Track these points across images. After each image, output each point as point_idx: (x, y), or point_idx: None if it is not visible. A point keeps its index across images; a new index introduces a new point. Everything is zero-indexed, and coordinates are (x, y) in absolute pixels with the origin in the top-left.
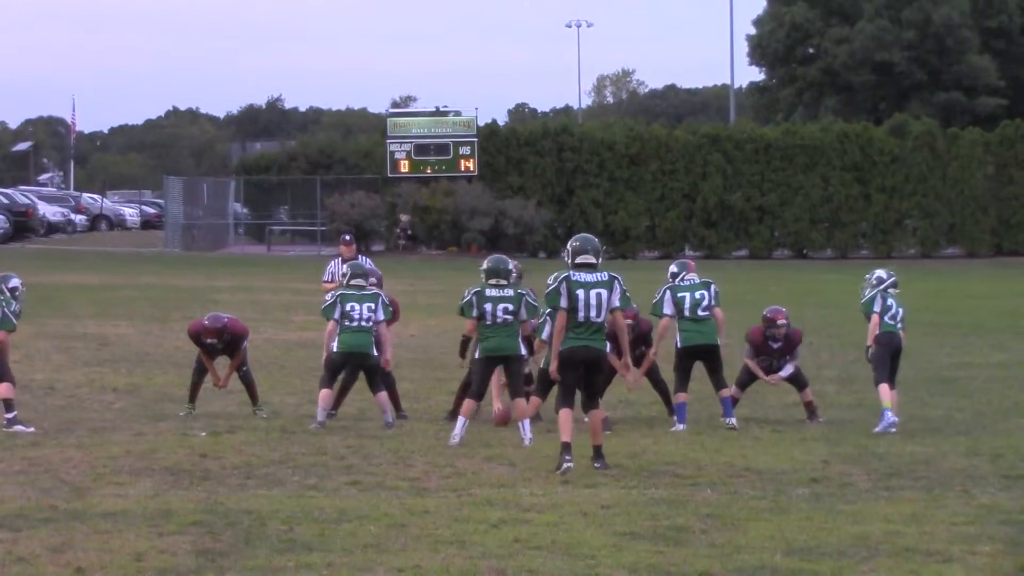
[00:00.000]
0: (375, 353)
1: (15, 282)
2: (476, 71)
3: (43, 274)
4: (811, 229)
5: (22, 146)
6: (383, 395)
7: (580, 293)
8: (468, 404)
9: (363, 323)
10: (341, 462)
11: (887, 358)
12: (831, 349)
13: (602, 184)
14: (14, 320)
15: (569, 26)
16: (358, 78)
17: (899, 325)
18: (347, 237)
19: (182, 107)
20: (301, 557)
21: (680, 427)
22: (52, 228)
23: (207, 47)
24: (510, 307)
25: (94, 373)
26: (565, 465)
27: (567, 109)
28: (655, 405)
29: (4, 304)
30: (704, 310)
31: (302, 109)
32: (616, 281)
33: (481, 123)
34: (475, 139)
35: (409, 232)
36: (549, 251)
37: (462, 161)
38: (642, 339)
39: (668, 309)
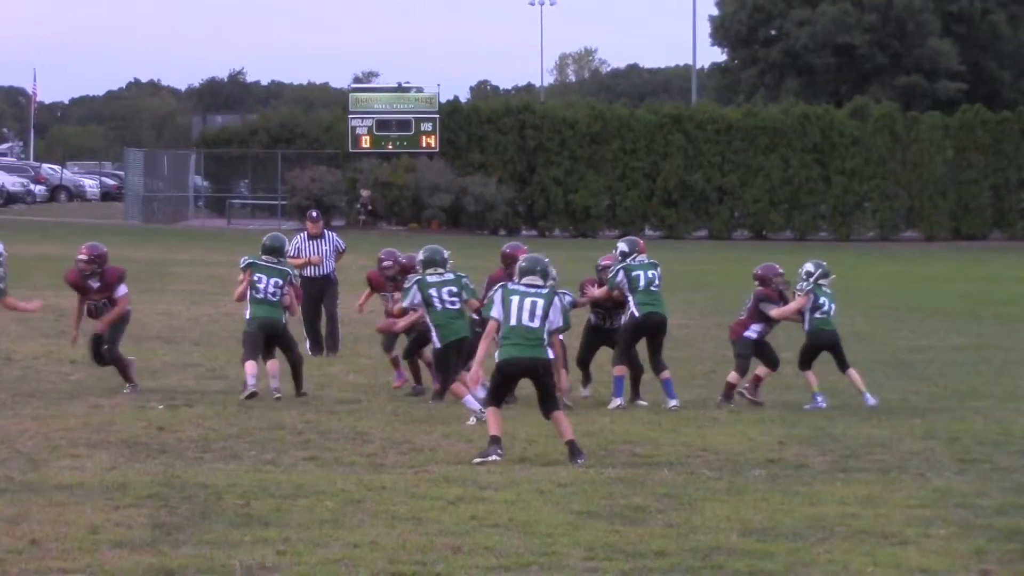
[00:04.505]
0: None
1: None
2: (439, 48)
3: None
4: (771, 210)
5: None
6: (274, 363)
7: (514, 299)
8: (459, 387)
9: (270, 296)
10: (299, 437)
11: (817, 353)
12: (787, 330)
13: (563, 162)
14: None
15: (532, 4)
16: (320, 53)
17: (830, 316)
18: (313, 214)
19: (143, 79)
20: (257, 532)
21: (618, 401)
22: (11, 198)
23: (169, 19)
24: (454, 289)
25: (51, 344)
26: (493, 457)
27: (529, 87)
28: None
29: None
30: (655, 287)
31: (264, 83)
32: (557, 296)
33: (443, 100)
34: (437, 115)
35: (369, 208)
36: (510, 228)
37: (424, 137)
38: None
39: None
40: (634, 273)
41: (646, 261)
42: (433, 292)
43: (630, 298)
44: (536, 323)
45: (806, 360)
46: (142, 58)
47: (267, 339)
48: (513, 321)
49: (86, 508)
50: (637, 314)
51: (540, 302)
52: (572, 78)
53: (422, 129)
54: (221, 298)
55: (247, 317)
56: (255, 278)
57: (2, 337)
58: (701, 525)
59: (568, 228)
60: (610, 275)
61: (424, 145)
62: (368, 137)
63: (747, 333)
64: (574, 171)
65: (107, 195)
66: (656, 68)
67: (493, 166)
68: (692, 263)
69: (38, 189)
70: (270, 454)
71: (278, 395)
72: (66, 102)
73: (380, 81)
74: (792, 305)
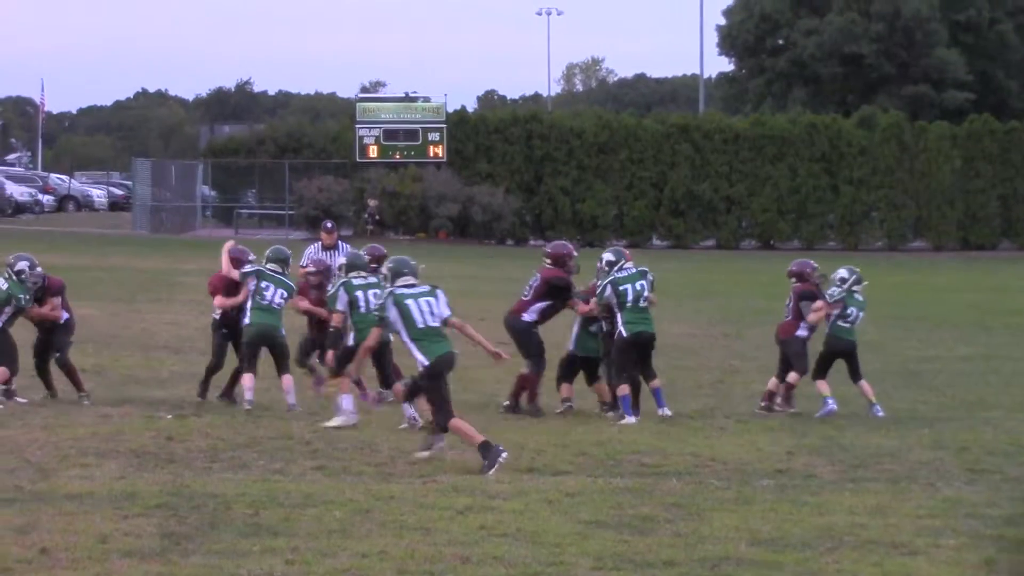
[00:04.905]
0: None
1: (22, 264)
2: (446, 57)
3: (9, 254)
4: (778, 220)
5: None
6: (289, 379)
7: (411, 303)
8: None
9: (275, 305)
10: (307, 447)
11: (833, 360)
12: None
13: (571, 172)
14: (26, 307)
15: (539, 14)
16: (327, 63)
17: (854, 326)
18: (328, 224)
19: (151, 89)
20: (266, 541)
21: (631, 420)
22: (19, 208)
23: (177, 29)
24: (379, 292)
25: None
26: (501, 457)
27: (536, 97)
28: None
29: (19, 296)
30: (644, 300)
31: (271, 93)
32: (438, 290)
33: (450, 109)
34: (444, 125)
35: (377, 217)
36: (517, 238)
37: (431, 147)
38: None
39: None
40: (622, 287)
41: (634, 270)
42: (359, 295)
43: (618, 315)
44: (437, 322)
45: (821, 368)
46: (150, 68)
47: (263, 347)
48: (420, 324)
49: (95, 517)
50: (625, 334)
51: (432, 300)
52: (579, 88)
53: (429, 139)
54: None
55: (246, 323)
56: (262, 286)
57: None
58: (710, 535)
59: (576, 238)
60: (598, 290)
61: (431, 155)
62: (375, 147)
63: (799, 332)
64: (581, 181)
65: (115, 205)
66: (663, 78)
67: (500, 176)
68: (700, 272)
69: (46, 199)
70: (279, 464)
71: (293, 409)
72: (74, 112)
73: (387, 91)
74: (820, 312)
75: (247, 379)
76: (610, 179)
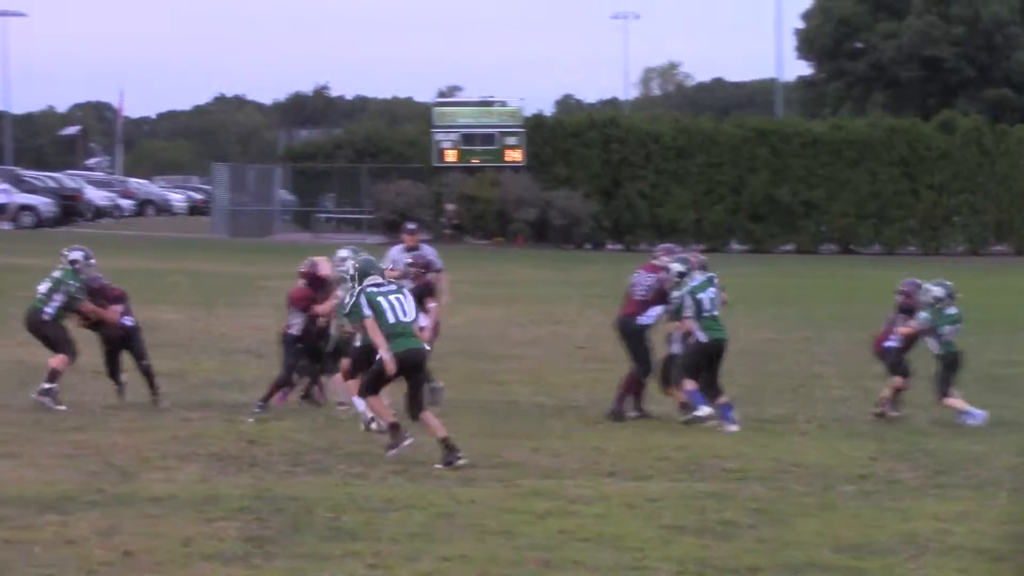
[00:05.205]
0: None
1: (76, 255)
2: (522, 62)
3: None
4: (858, 224)
5: (71, 130)
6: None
7: (381, 300)
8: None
9: None
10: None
11: (954, 376)
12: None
13: (648, 176)
14: (77, 296)
15: (616, 18)
16: (404, 67)
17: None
18: (410, 226)
19: (229, 94)
20: (348, 545)
21: (706, 409)
22: (99, 212)
23: (255, 34)
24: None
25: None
26: (405, 443)
27: (613, 101)
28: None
29: (70, 282)
30: (717, 306)
31: (348, 97)
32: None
33: (528, 114)
34: (522, 130)
35: (455, 222)
36: (595, 243)
37: (508, 151)
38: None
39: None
40: (698, 296)
41: (703, 278)
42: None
43: (695, 324)
44: (408, 317)
45: (944, 386)
46: (228, 73)
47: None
48: (391, 319)
49: (178, 521)
50: (705, 339)
51: (401, 298)
52: (656, 92)
53: (507, 143)
54: None
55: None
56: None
57: (92, 350)
58: (793, 541)
59: (654, 242)
60: (675, 302)
61: (509, 159)
62: (453, 151)
63: (888, 343)
64: (659, 185)
65: (194, 209)
66: (741, 82)
67: (578, 180)
68: (779, 277)
69: (126, 203)
70: (360, 468)
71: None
72: (153, 117)
73: (464, 95)
74: (906, 331)
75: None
76: (688, 183)
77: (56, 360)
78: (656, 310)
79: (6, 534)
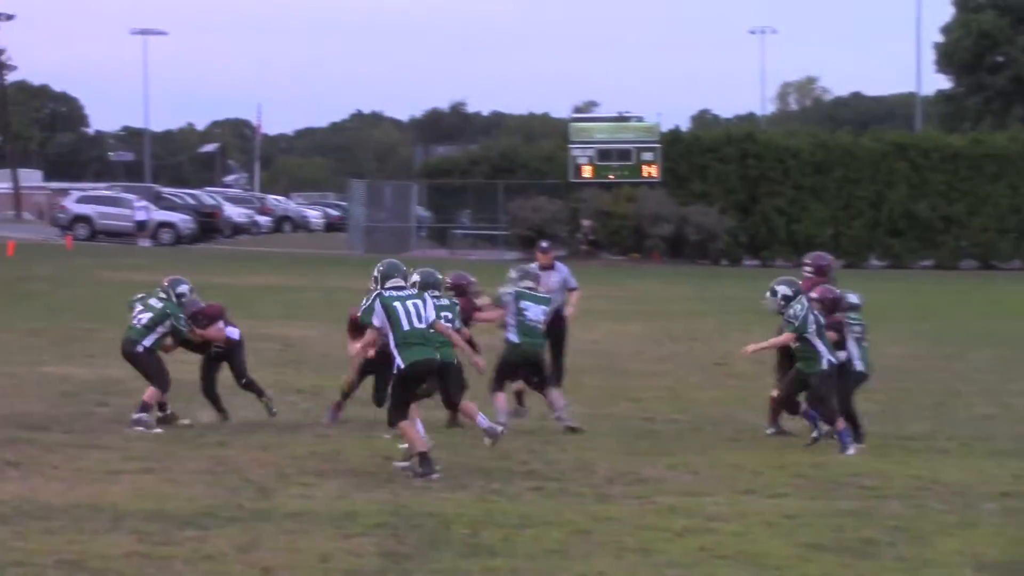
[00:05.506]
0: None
1: (183, 288)
2: (659, 77)
3: (228, 275)
4: (999, 239)
5: (209, 148)
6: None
7: (398, 305)
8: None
9: (539, 324)
10: (524, 467)
11: None
12: (1021, 362)
13: (786, 192)
14: (184, 329)
15: (753, 32)
16: (540, 83)
17: None
18: (544, 244)
19: (366, 110)
20: (485, 561)
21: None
22: (237, 229)
23: (392, 51)
24: (449, 316)
25: (279, 374)
26: (432, 476)
27: (750, 116)
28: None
29: (180, 316)
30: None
31: (485, 113)
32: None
33: (664, 129)
34: (658, 145)
35: (591, 237)
36: (731, 259)
37: (645, 167)
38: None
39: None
40: (811, 317)
41: (805, 300)
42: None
43: (818, 344)
44: (423, 325)
45: None
46: (365, 90)
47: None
48: (405, 326)
49: (316, 536)
50: (834, 360)
51: (419, 303)
52: (794, 106)
53: (643, 159)
54: None
55: (513, 342)
56: (522, 305)
57: (227, 367)
58: (933, 559)
59: (791, 258)
60: (797, 322)
61: (645, 174)
62: (589, 167)
63: None
64: (797, 200)
65: (330, 226)
66: (879, 96)
67: (714, 195)
68: (918, 293)
69: (263, 220)
70: (496, 484)
71: (565, 421)
72: (290, 134)
73: (600, 111)
74: None
75: (501, 399)
76: (826, 198)
77: (149, 394)
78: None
79: (146, 549)
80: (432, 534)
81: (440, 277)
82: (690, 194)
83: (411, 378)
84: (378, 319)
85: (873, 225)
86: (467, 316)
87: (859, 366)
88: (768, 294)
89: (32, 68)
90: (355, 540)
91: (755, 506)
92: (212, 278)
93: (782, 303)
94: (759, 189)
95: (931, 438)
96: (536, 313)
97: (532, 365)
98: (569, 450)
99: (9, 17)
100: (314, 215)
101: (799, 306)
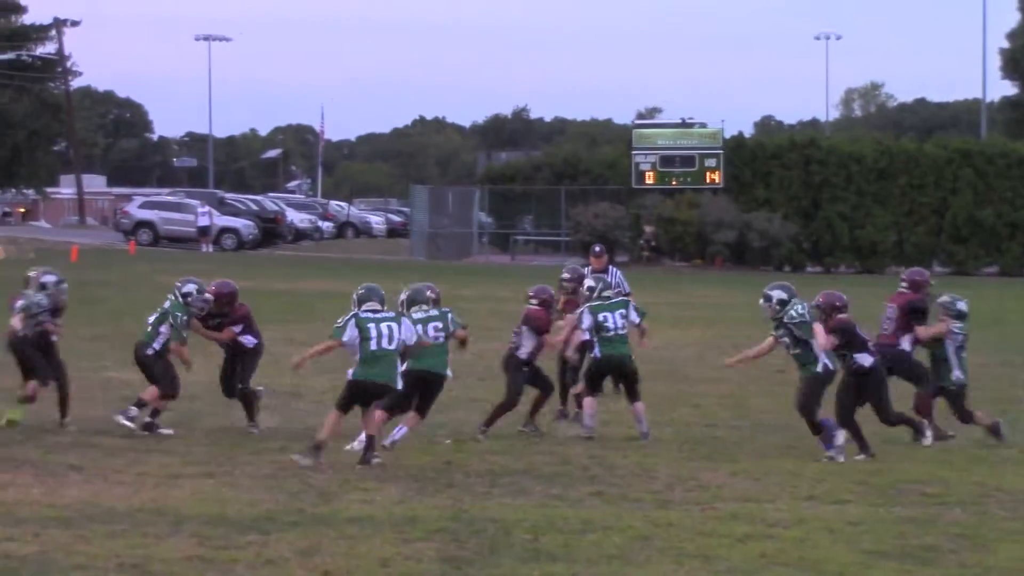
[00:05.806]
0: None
1: (190, 287)
2: (722, 83)
3: (291, 280)
4: None
5: (272, 153)
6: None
7: (371, 326)
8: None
9: (619, 332)
10: (585, 472)
11: None
12: None
13: (849, 198)
14: (183, 334)
15: (818, 38)
16: (603, 89)
17: None
18: (597, 248)
19: (429, 116)
20: (546, 567)
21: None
22: (300, 235)
23: (455, 57)
24: (439, 325)
25: (339, 379)
26: (375, 461)
27: (814, 122)
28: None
29: (176, 314)
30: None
31: (547, 119)
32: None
33: (727, 135)
34: (721, 151)
35: (653, 244)
36: (795, 265)
37: (708, 173)
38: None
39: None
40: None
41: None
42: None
43: (817, 348)
44: (393, 347)
45: None
46: (428, 96)
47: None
48: (374, 346)
49: (376, 541)
50: (832, 367)
51: (394, 325)
52: (858, 112)
53: (706, 165)
54: (507, 333)
55: (597, 354)
56: (601, 318)
57: (292, 372)
58: (996, 566)
59: (854, 264)
60: (808, 318)
61: (708, 181)
62: (652, 173)
63: None
64: (860, 206)
65: (393, 232)
66: (944, 102)
67: (778, 201)
68: (982, 300)
69: (326, 226)
70: (557, 489)
71: (646, 436)
72: (353, 139)
73: (663, 117)
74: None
75: (589, 403)
76: (890, 205)
77: (149, 392)
78: (909, 335)
79: (208, 553)
80: (492, 539)
81: (428, 293)
82: (753, 200)
83: (356, 392)
84: (347, 336)
85: (936, 231)
86: (542, 329)
87: (957, 375)
88: (762, 300)
89: (97, 74)
90: (415, 545)
91: (816, 512)
92: (273, 284)
93: (777, 308)
94: (822, 195)
95: (994, 445)
96: (615, 321)
97: (621, 371)
98: (630, 455)
99: (75, 23)
100: (376, 221)
101: (800, 307)
